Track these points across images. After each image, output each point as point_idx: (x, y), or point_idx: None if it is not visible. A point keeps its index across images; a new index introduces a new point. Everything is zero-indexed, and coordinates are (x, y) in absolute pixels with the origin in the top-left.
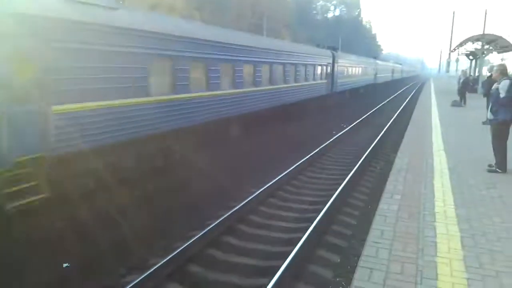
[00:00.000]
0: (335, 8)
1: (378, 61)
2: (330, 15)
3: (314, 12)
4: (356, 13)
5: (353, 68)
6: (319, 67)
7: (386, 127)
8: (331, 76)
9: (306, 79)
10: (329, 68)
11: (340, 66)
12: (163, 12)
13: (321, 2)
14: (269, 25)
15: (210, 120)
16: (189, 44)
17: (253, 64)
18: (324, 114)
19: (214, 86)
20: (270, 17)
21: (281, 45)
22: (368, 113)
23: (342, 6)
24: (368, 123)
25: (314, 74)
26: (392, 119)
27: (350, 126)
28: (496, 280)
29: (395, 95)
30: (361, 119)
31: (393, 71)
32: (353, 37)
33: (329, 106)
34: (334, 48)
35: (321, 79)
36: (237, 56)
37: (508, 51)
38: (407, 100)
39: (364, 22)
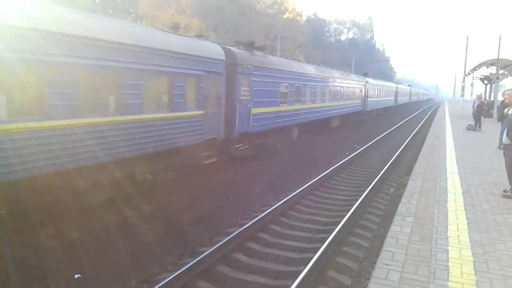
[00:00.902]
0: (348, 31)
1: (398, 85)
2: (343, 37)
3: (327, 34)
4: (369, 36)
5: (379, 91)
6: (357, 90)
7: (402, 146)
8: (364, 97)
9: (349, 99)
10: (363, 90)
11: (370, 89)
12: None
13: (334, 25)
14: (283, 46)
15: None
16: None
17: (320, 87)
18: (358, 126)
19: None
20: (284, 38)
21: (335, 73)
22: (388, 131)
23: (355, 29)
24: (389, 137)
25: (354, 95)
26: (408, 139)
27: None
28: None
29: (412, 115)
30: (385, 133)
31: (410, 94)
32: (366, 59)
33: (360, 121)
34: (365, 74)
35: (357, 99)
36: (307, 83)
37: None
38: (422, 122)
39: (377, 45)
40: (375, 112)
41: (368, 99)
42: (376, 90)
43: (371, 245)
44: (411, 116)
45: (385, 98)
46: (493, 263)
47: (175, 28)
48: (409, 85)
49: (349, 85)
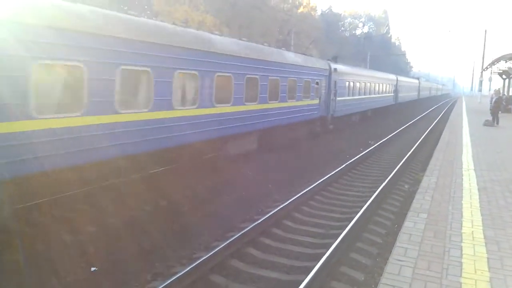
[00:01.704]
0: (363, 25)
1: (400, 78)
2: (358, 31)
3: (342, 29)
4: (385, 30)
5: (407, 87)
6: (390, 86)
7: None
8: (395, 91)
9: (386, 93)
10: (393, 86)
11: (400, 85)
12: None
13: (349, 19)
14: (296, 41)
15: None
16: None
17: (368, 84)
18: (390, 116)
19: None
20: (298, 33)
21: (375, 72)
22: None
23: (371, 23)
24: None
25: (388, 90)
26: (428, 130)
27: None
28: None
29: (433, 108)
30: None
31: (419, 90)
32: (382, 53)
33: (392, 112)
34: (334, 58)
35: (389, 93)
36: (358, 80)
37: None
38: (441, 114)
39: (393, 39)
40: (404, 104)
41: (399, 94)
42: (406, 86)
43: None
44: (417, 118)
45: (374, 96)
46: (507, 260)
47: (185, 23)
48: (417, 78)
49: (386, 82)
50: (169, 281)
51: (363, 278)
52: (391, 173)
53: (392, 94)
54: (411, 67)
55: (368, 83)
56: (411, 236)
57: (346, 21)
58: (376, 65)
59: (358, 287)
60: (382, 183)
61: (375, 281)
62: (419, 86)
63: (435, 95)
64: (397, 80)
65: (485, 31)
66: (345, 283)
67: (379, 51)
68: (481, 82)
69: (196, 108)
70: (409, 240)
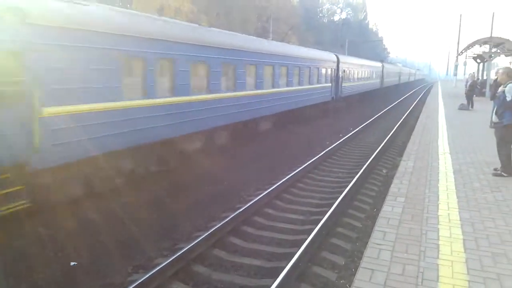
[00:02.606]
0: (341, 11)
1: (402, 67)
2: (336, 18)
3: (320, 15)
4: (363, 16)
5: (392, 73)
6: (376, 72)
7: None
8: (381, 77)
9: (374, 78)
10: (380, 72)
11: (386, 71)
12: (170, 16)
13: (327, 5)
14: (275, 28)
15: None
16: None
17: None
18: (376, 98)
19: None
20: (276, 19)
21: (369, 61)
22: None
23: (349, 9)
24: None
25: (375, 76)
26: (408, 111)
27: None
28: (497, 282)
29: (410, 93)
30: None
31: (382, 76)
32: (360, 40)
33: (378, 95)
34: (382, 60)
35: (376, 78)
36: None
37: None
38: (419, 98)
39: (370, 25)
40: (388, 88)
41: (385, 79)
42: (391, 72)
43: None
44: (410, 93)
45: (395, 78)
46: (482, 241)
47: (160, 12)
48: (381, 61)
49: (374, 70)
50: (150, 273)
51: (343, 263)
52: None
53: (379, 79)
54: (388, 53)
55: (364, 71)
56: (390, 220)
57: (324, 7)
58: (354, 51)
59: (339, 271)
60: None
61: (355, 265)
62: (400, 72)
63: (406, 81)
64: (383, 66)
65: (460, 15)
66: (326, 268)
67: (357, 37)
68: (456, 66)
69: (273, 89)
70: (387, 224)
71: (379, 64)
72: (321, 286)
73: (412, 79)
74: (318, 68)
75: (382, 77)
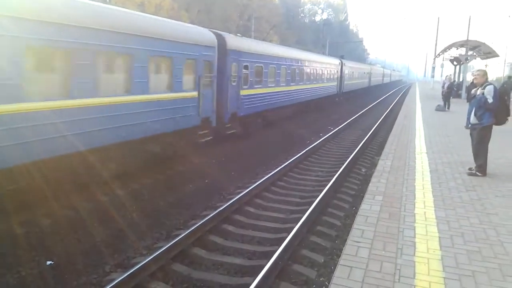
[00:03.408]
0: (322, 12)
1: (385, 69)
2: (317, 18)
3: (302, 15)
4: (343, 17)
5: (377, 73)
6: (367, 74)
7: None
8: (369, 77)
9: (362, 79)
10: (367, 73)
11: (373, 73)
12: (151, 12)
13: (308, 6)
14: (257, 26)
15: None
16: None
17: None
18: (364, 95)
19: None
20: (258, 18)
21: (362, 65)
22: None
23: (330, 9)
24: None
25: (363, 77)
26: (388, 109)
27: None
28: (472, 279)
29: (390, 93)
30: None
31: (390, 76)
32: (341, 40)
33: (366, 93)
34: (371, 63)
35: (364, 79)
36: (354, 70)
37: (491, 57)
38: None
39: (351, 27)
40: (374, 87)
41: (372, 78)
42: (376, 73)
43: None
44: (390, 93)
45: (379, 78)
46: (457, 239)
47: (140, 7)
48: (341, 57)
49: (366, 72)
50: (129, 272)
51: (322, 260)
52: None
53: (367, 79)
54: (368, 54)
55: (359, 71)
56: (368, 218)
57: (305, 7)
58: (335, 52)
59: (319, 269)
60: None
61: (334, 263)
62: (383, 73)
63: (378, 83)
64: (370, 68)
65: (438, 18)
66: (306, 265)
67: (338, 38)
68: (433, 68)
69: (294, 85)
70: (365, 222)
71: (336, 62)
72: (301, 284)
73: (387, 80)
74: (330, 69)
75: (339, 79)
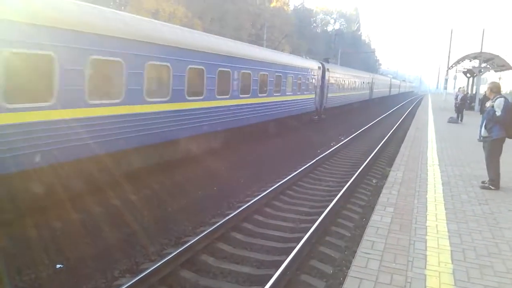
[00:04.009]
0: (334, 22)
1: (393, 79)
2: (329, 28)
3: (314, 25)
4: (356, 27)
5: (382, 83)
6: (366, 84)
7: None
8: (370, 88)
9: (359, 90)
10: (368, 83)
11: (376, 82)
12: (164, 20)
13: (321, 15)
14: (269, 36)
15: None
16: None
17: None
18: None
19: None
20: (270, 27)
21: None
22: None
23: (342, 20)
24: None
25: (361, 88)
26: (396, 125)
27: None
28: None
29: (401, 104)
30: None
31: (390, 87)
32: (352, 50)
33: (368, 106)
34: (327, 59)
35: (363, 90)
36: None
37: (505, 70)
38: (411, 107)
39: (363, 37)
40: (377, 100)
41: (374, 89)
42: (393, 84)
43: None
44: (401, 104)
45: (388, 89)
46: (469, 252)
47: (154, 15)
48: (324, 60)
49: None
50: (137, 278)
51: (331, 271)
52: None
53: (368, 90)
54: (380, 64)
55: (354, 80)
56: (378, 229)
57: (318, 17)
58: (347, 62)
59: (327, 280)
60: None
61: (343, 274)
62: (393, 84)
63: (408, 91)
64: (372, 77)
65: (451, 30)
66: (314, 276)
67: (350, 48)
68: (446, 80)
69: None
70: (376, 233)
71: (314, 65)
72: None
73: (395, 92)
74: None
75: (322, 92)
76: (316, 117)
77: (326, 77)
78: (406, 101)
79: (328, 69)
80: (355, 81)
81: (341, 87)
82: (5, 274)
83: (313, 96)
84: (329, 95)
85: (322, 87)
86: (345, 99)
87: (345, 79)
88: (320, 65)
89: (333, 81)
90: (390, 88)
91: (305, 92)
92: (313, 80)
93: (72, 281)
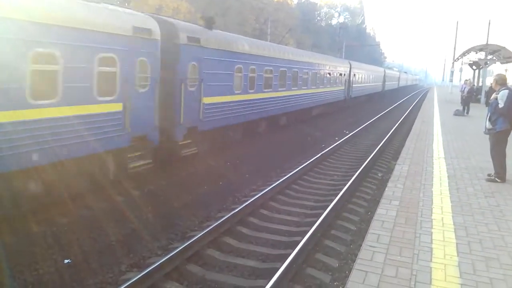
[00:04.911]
0: (339, 15)
1: (403, 73)
2: (334, 21)
3: (318, 18)
4: (360, 21)
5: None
6: (380, 76)
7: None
8: (383, 80)
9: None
10: (383, 76)
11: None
12: (169, 15)
13: (325, 9)
14: (273, 30)
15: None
16: None
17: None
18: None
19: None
20: (274, 21)
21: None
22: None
23: (346, 13)
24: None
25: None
26: (404, 115)
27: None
28: (490, 286)
29: (407, 97)
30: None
31: (406, 80)
32: (357, 44)
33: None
34: (370, 63)
35: (378, 82)
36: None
37: (511, 61)
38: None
39: (368, 30)
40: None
41: (386, 82)
42: (404, 77)
43: None
44: (407, 97)
45: (402, 82)
46: (475, 245)
47: (158, 11)
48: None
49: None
50: (144, 272)
51: (337, 265)
52: None
53: (381, 83)
54: (385, 57)
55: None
56: (384, 223)
57: (322, 10)
58: (351, 55)
59: (333, 273)
60: None
61: (348, 267)
62: (401, 77)
63: (410, 84)
64: (384, 72)
65: (457, 22)
66: (320, 269)
67: (354, 41)
68: (452, 72)
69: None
70: (381, 226)
71: (400, 73)
72: None
73: (403, 83)
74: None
75: (349, 85)
76: (345, 103)
77: (352, 73)
78: (411, 94)
79: (352, 66)
80: (373, 75)
81: (362, 80)
82: (14, 269)
83: (343, 88)
84: (354, 85)
85: (348, 80)
86: (365, 90)
87: (365, 74)
88: (349, 64)
89: (357, 76)
90: (399, 81)
91: (339, 85)
92: (344, 75)
93: (80, 276)
